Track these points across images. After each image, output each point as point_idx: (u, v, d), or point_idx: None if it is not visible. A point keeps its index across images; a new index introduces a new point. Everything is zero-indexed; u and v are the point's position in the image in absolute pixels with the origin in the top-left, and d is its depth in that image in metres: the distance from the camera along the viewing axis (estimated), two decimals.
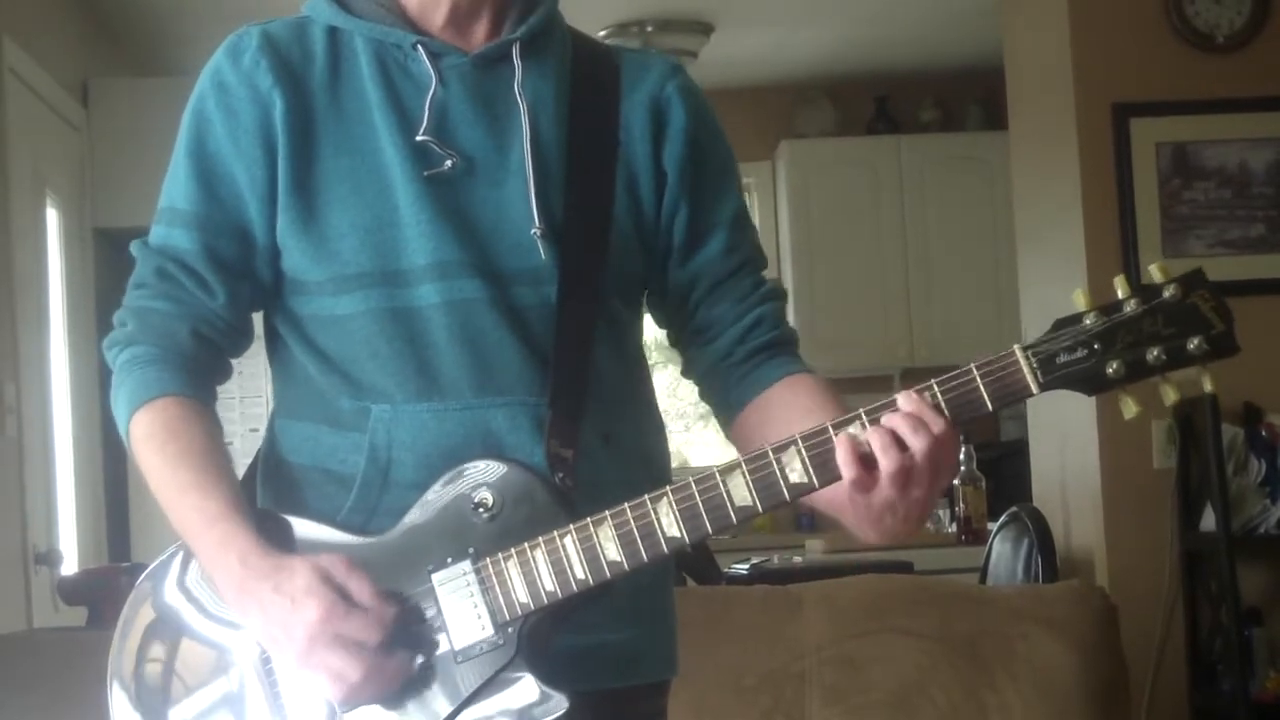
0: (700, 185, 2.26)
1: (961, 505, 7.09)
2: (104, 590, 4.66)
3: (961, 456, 7.02)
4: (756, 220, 8.89)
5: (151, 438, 2.14)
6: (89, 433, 6.77)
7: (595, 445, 2.14)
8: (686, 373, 2.33)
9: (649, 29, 7.80)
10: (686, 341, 2.30)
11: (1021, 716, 3.65)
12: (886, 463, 1.92)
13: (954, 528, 7.23)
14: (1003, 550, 5.49)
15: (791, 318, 8.55)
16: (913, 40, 8.42)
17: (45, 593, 5.81)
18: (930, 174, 8.82)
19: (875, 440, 1.92)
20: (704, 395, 2.32)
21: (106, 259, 7.16)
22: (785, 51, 8.50)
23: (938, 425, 1.91)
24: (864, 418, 1.94)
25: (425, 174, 2.13)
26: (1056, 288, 5.96)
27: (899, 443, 1.92)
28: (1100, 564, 5.72)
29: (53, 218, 6.50)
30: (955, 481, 7.10)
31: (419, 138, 2.14)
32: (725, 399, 2.27)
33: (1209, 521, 5.41)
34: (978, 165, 8.69)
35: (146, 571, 2.24)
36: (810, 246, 8.79)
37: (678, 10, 7.73)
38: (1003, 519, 5.59)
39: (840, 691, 3.66)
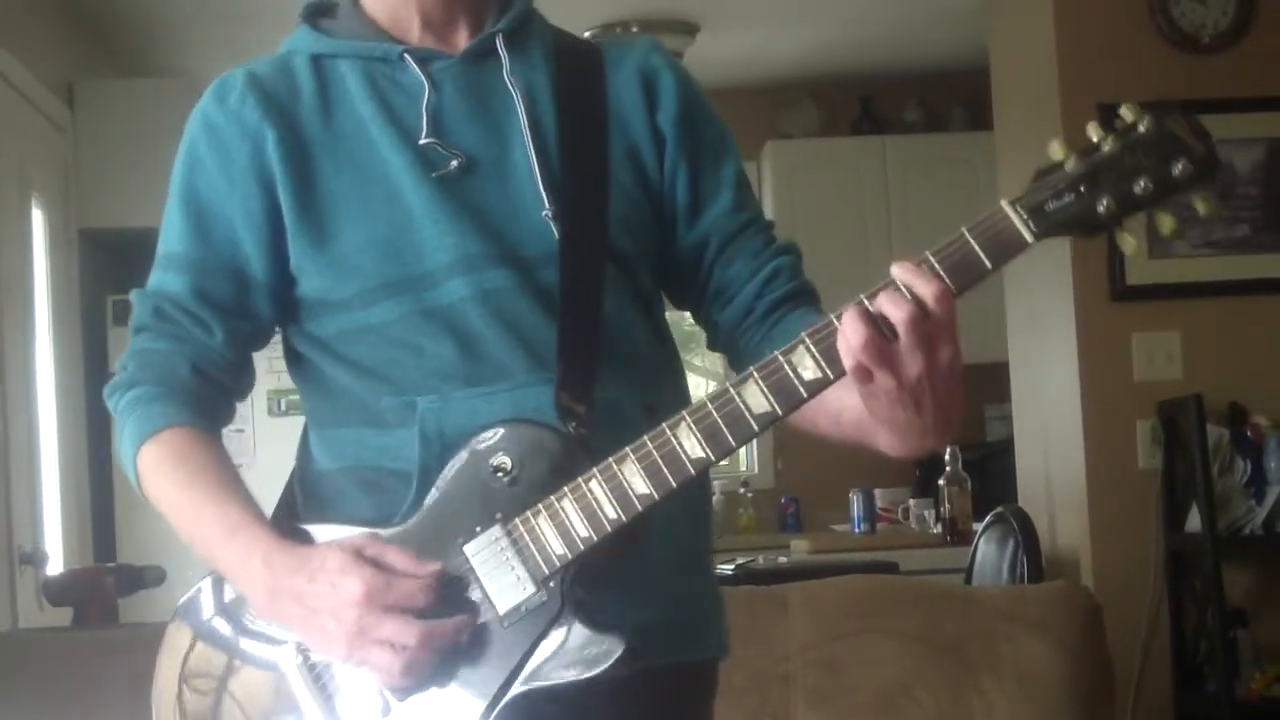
0: (698, 146, 2.29)
1: (947, 505, 7.09)
2: (89, 591, 4.67)
3: (947, 456, 7.02)
4: None
5: (161, 464, 2.13)
6: (74, 433, 6.77)
7: (639, 418, 2.13)
8: (712, 344, 2.33)
9: (634, 29, 7.80)
10: (707, 309, 2.30)
11: (1006, 717, 3.65)
12: (856, 339, 1.87)
13: (939, 528, 7.23)
14: (988, 551, 5.50)
15: None
16: (897, 41, 8.42)
17: (30, 593, 5.81)
18: (914, 175, 8.82)
19: (847, 319, 1.89)
20: (732, 363, 2.31)
21: (92, 259, 7.16)
22: (770, 52, 8.51)
23: (927, 287, 1.87)
24: (865, 301, 1.90)
25: (433, 175, 2.14)
26: (1041, 288, 5.96)
27: (874, 321, 1.88)
28: (1085, 564, 5.73)
29: (38, 218, 6.49)
30: (940, 482, 7.10)
31: (422, 141, 2.15)
32: (751, 360, 2.25)
33: (1194, 522, 5.41)
34: (962, 166, 8.69)
35: (174, 613, 2.23)
36: None
37: (662, 11, 7.73)
38: (988, 519, 5.60)
39: (826, 693, 3.67)
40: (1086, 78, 5.75)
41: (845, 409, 2.03)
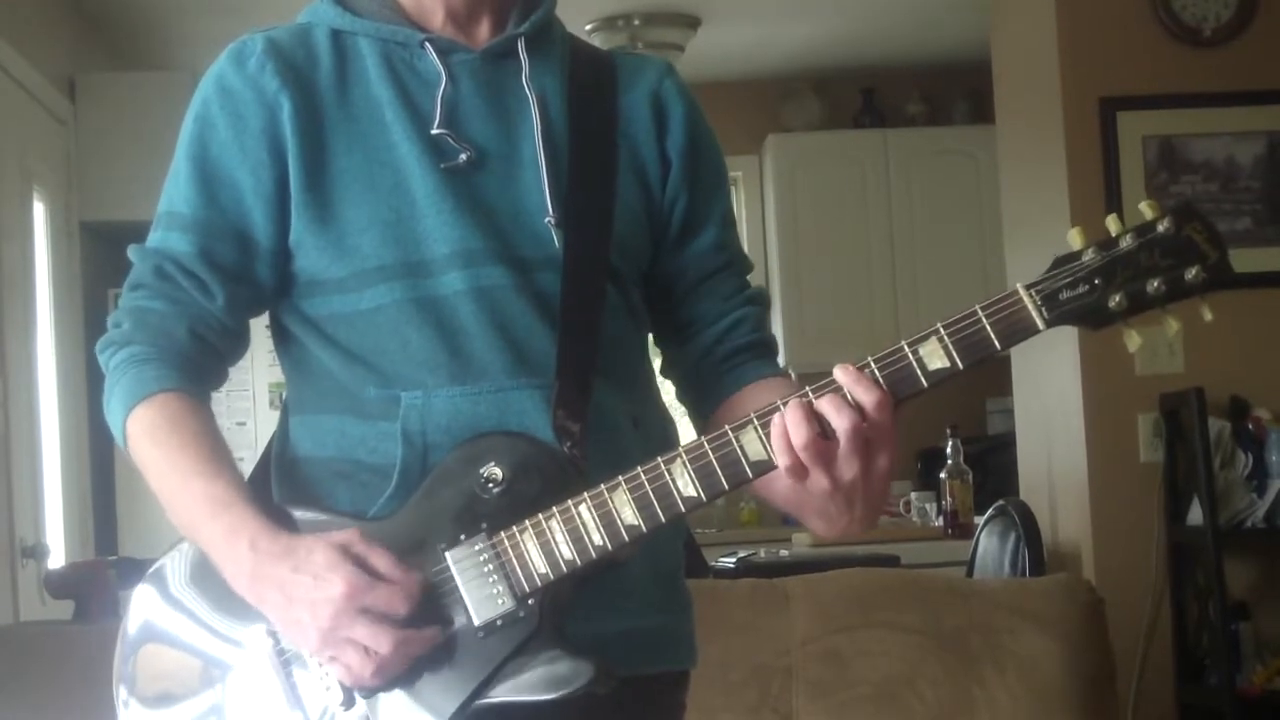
0: (698, 177, 2.31)
1: (948, 499, 7.08)
2: (90, 584, 4.66)
3: (949, 449, 7.02)
4: (744, 214, 8.95)
5: (154, 430, 2.12)
6: (76, 426, 6.77)
7: (626, 428, 2.16)
8: (665, 371, 2.36)
9: (635, 22, 7.79)
10: (666, 338, 2.33)
11: (1008, 710, 3.65)
12: (798, 440, 1.93)
13: (940, 521, 7.23)
14: (990, 544, 5.50)
15: (778, 311, 8.57)
16: (899, 34, 8.42)
17: (32, 586, 5.81)
18: (917, 168, 8.80)
19: (791, 418, 1.94)
20: (680, 395, 2.35)
21: (93, 253, 7.16)
22: (771, 45, 8.50)
23: (869, 397, 1.93)
24: (810, 394, 1.96)
25: (442, 166, 2.14)
26: None
27: (817, 420, 1.93)
28: (1087, 558, 5.73)
29: (39, 212, 6.49)
30: (942, 475, 7.10)
31: (434, 131, 2.16)
32: (700, 398, 2.30)
33: (1196, 515, 5.42)
34: (964, 159, 8.69)
35: (140, 583, 2.22)
36: (797, 240, 8.79)
37: (664, 3, 7.72)
38: (990, 513, 5.59)
39: (827, 686, 3.67)
40: (1088, 71, 5.75)
41: (776, 478, 2.04)
